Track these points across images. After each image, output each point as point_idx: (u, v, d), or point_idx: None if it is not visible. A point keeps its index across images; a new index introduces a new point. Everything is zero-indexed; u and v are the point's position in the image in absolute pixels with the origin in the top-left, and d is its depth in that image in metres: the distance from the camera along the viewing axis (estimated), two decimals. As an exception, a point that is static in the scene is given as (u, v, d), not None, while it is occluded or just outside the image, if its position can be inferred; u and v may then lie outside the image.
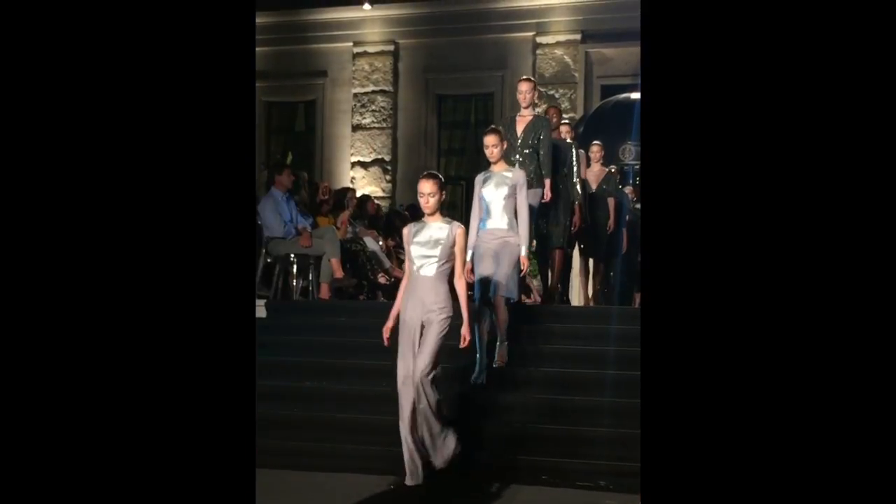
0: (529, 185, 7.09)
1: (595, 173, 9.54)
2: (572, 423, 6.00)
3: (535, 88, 7.55)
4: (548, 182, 7.46)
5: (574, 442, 5.83)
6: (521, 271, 6.39)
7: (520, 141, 7.48)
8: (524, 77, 7.53)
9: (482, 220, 6.44)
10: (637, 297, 9.95)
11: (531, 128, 7.48)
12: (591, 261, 9.64)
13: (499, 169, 6.53)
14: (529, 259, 6.45)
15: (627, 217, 9.97)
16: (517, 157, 7.41)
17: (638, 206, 10.44)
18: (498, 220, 6.42)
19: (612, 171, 9.82)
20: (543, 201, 7.48)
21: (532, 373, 6.62)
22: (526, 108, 7.50)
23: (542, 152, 7.47)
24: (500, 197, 6.41)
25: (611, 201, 9.46)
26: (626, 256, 9.93)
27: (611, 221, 9.36)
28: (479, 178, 6.58)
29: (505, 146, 6.50)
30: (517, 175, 6.52)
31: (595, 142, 9.64)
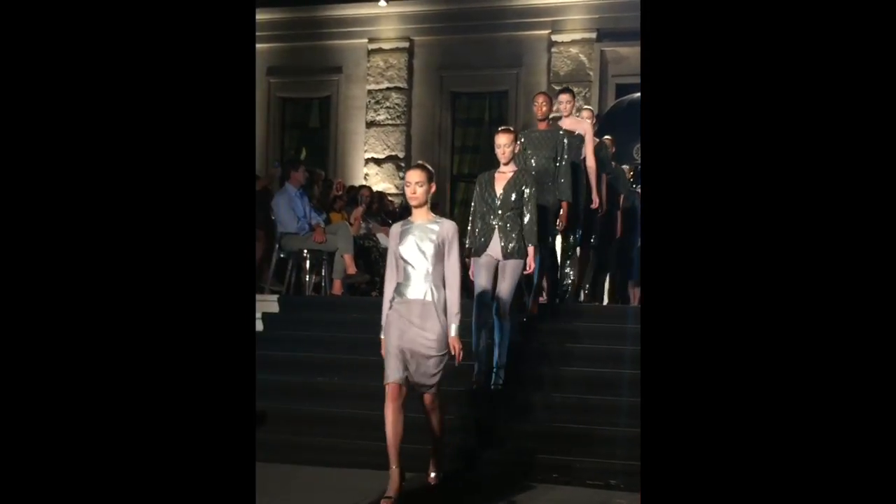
0: (510, 255, 6.18)
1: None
2: (584, 422, 6.00)
3: (515, 140, 6.33)
4: (531, 250, 6.25)
5: (585, 440, 5.82)
6: (453, 358, 4.94)
7: (499, 201, 6.25)
8: (503, 128, 6.42)
9: (398, 287, 4.93)
10: (635, 293, 9.15)
11: (513, 185, 6.25)
12: (577, 250, 8.23)
13: (422, 219, 4.92)
14: (460, 343, 4.93)
15: (622, 195, 8.84)
16: (496, 221, 6.24)
17: (638, 188, 9.39)
18: (418, 287, 4.86)
19: (607, 141, 8.61)
20: (526, 272, 6.37)
21: (545, 371, 6.61)
22: (506, 163, 6.29)
23: (526, 217, 6.24)
24: (424, 257, 4.84)
25: (602, 178, 8.14)
26: (621, 243, 8.86)
27: (603, 202, 8.12)
28: (395, 230, 5.02)
29: (433, 189, 4.92)
30: (446, 228, 4.88)
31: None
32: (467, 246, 6.24)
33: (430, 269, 4.85)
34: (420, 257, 4.86)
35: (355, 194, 10.55)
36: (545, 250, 7.00)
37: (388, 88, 14.97)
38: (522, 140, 7.00)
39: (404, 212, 11.44)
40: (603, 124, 11.55)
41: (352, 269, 8.61)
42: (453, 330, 4.87)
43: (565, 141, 7.06)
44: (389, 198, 12.60)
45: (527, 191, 6.26)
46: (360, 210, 9.77)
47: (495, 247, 6.23)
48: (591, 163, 7.70)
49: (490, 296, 6.19)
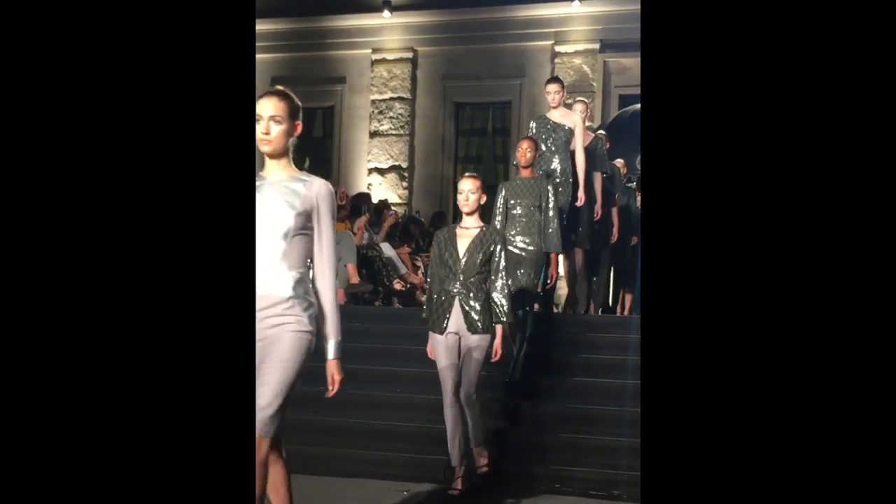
0: (475, 330, 5.11)
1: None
2: (586, 432, 6.00)
3: (483, 189, 5.23)
4: (499, 330, 5.19)
5: (588, 450, 5.82)
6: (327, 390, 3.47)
7: (462, 264, 5.15)
8: (469, 174, 5.36)
9: None
10: (628, 299, 8.89)
11: (478, 245, 5.16)
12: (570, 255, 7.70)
13: (278, 174, 3.30)
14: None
15: (616, 196, 8.30)
16: (458, 288, 5.14)
17: (631, 184, 8.85)
18: (273, 278, 3.21)
19: (601, 135, 8.04)
20: (493, 360, 5.28)
21: (549, 382, 6.61)
22: (470, 213, 5.21)
23: (496, 284, 5.16)
24: (278, 229, 3.22)
25: (597, 177, 7.59)
26: (615, 246, 8.31)
27: (598, 206, 7.57)
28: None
29: (298, 130, 3.30)
30: (316, 189, 3.27)
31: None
32: (424, 317, 5.41)
33: (286, 249, 3.22)
34: (272, 229, 3.22)
35: (358, 204, 10.56)
36: (528, 318, 6.48)
37: (391, 98, 15.01)
38: (504, 190, 6.56)
39: (407, 221, 11.46)
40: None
41: (355, 279, 8.63)
42: (331, 352, 3.39)
43: (549, 189, 6.53)
44: (393, 207, 12.63)
45: (496, 251, 5.18)
46: (363, 220, 9.80)
47: (457, 320, 5.16)
48: (580, 158, 7.21)
49: (458, 372, 5.19)
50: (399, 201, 14.61)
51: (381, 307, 9.04)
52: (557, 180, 7.04)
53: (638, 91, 13.26)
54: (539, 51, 14.40)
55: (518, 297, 6.29)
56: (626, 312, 8.82)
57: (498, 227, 6.34)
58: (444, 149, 14.92)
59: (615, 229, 8.12)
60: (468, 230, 5.24)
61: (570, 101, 8.46)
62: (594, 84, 14.10)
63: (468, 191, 5.17)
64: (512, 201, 6.52)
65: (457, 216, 14.49)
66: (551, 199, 6.47)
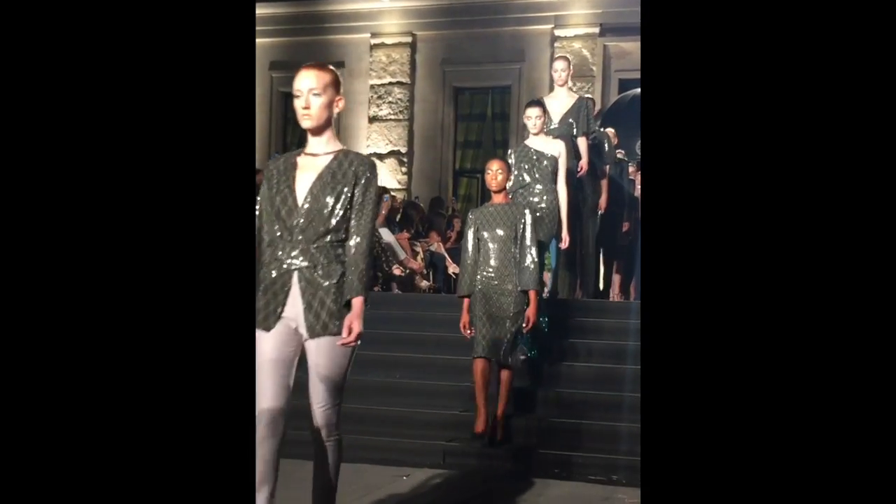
0: (323, 327, 3.27)
1: (559, 100, 7.04)
2: (586, 417, 6.00)
3: (336, 86, 3.29)
4: (357, 303, 3.19)
5: (587, 436, 5.83)
6: None
7: (303, 214, 3.21)
8: (311, 63, 3.30)
9: None
10: (616, 280, 8.63)
11: (330, 182, 3.24)
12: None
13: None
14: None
15: (607, 167, 7.83)
16: (296, 256, 3.22)
17: (621, 153, 8.39)
18: None
19: (586, 97, 7.52)
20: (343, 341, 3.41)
21: (547, 367, 6.61)
22: (316, 131, 3.28)
23: (352, 243, 3.23)
24: None
25: (581, 142, 7.03)
26: (604, 220, 7.94)
27: (583, 161, 7.01)
28: None
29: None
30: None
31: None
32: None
33: None
34: None
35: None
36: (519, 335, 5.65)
37: (390, 83, 14.98)
38: (473, 218, 5.69)
39: (406, 207, 11.45)
40: (605, 119, 11.54)
41: (354, 264, 8.60)
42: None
43: (527, 215, 5.59)
44: (392, 192, 12.62)
45: (357, 193, 3.23)
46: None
47: (295, 308, 3.25)
48: (562, 192, 6.47)
49: (288, 393, 3.54)
50: (398, 187, 14.59)
51: (380, 292, 9.04)
52: (540, 214, 6.25)
53: (638, 75, 13.22)
54: (539, 35, 14.36)
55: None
56: (616, 295, 8.75)
57: (470, 264, 5.55)
58: (443, 134, 14.89)
59: (602, 200, 7.77)
60: (315, 158, 3.25)
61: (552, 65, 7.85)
62: (594, 68, 14.07)
63: (309, 90, 3.16)
64: (484, 232, 5.56)
65: (456, 203, 14.50)
66: (528, 227, 5.50)
